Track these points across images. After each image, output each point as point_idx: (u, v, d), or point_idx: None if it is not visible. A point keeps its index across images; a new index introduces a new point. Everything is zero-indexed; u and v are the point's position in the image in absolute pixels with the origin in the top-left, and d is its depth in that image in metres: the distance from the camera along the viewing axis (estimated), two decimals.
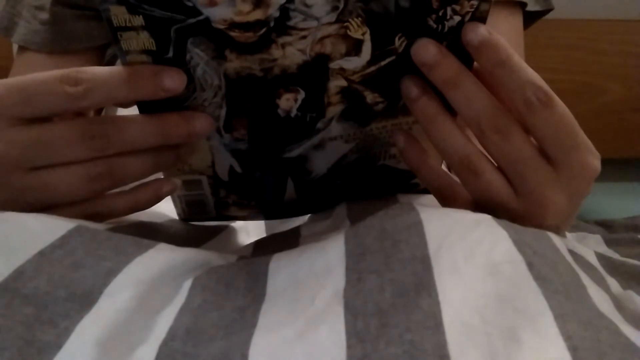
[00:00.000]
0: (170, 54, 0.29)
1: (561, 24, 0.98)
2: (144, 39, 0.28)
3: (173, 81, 0.29)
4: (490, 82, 0.31)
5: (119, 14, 0.27)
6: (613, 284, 0.33)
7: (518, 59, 0.29)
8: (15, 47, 0.66)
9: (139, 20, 0.27)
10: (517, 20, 0.64)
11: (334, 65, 0.31)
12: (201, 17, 0.27)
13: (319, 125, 0.34)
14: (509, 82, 0.29)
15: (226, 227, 0.43)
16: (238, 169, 0.37)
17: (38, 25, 0.62)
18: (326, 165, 0.37)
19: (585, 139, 0.30)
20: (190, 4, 0.27)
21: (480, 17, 0.29)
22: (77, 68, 0.29)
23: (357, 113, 0.34)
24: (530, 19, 0.66)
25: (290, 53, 0.30)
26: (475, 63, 0.31)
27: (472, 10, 0.29)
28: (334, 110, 0.33)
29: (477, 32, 0.29)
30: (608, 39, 1.02)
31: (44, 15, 0.61)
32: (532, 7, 0.64)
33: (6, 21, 0.64)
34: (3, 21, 0.64)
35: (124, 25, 0.27)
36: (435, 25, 0.29)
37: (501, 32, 0.61)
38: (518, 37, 0.63)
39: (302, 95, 0.32)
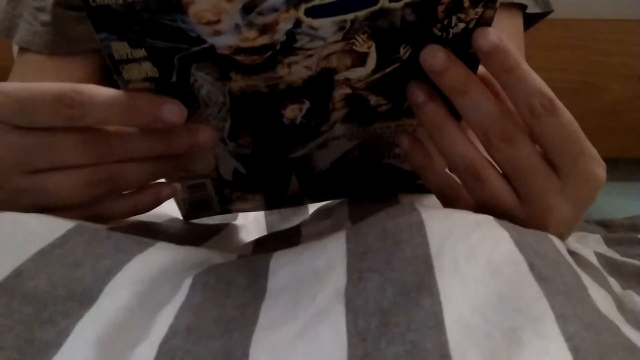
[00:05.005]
0: (174, 79, 0.29)
1: (561, 24, 0.98)
2: (147, 69, 0.28)
3: (173, 114, 0.29)
4: (496, 89, 0.31)
5: (120, 49, 0.27)
6: (613, 284, 0.33)
7: (526, 67, 0.29)
8: (15, 48, 0.66)
9: (141, 53, 0.27)
10: (517, 22, 0.64)
11: (339, 77, 0.31)
12: (205, 45, 0.27)
13: (323, 128, 0.34)
14: (516, 89, 0.29)
15: (226, 225, 0.43)
16: (242, 171, 0.37)
17: (39, 27, 0.62)
18: (329, 161, 0.37)
19: (591, 148, 0.30)
20: (194, 34, 0.26)
21: (485, 23, 0.29)
22: (75, 87, 0.28)
23: (361, 115, 0.34)
24: (530, 21, 0.66)
25: (296, 70, 0.29)
26: (479, 70, 0.31)
27: (477, 17, 0.29)
28: (338, 114, 0.33)
29: (488, 38, 0.29)
30: (608, 39, 1.02)
31: (45, 17, 0.61)
32: (532, 9, 0.65)
33: (7, 22, 0.64)
34: (4, 22, 0.64)
35: (125, 58, 0.27)
36: (439, 33, 0.29)
37: (501, 34, 0.61)
38: (519, 39, 0.64)
39: (307, 105, 0.32)
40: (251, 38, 0.27)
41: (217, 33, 0.26)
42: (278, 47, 0.28)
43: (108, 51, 0.27)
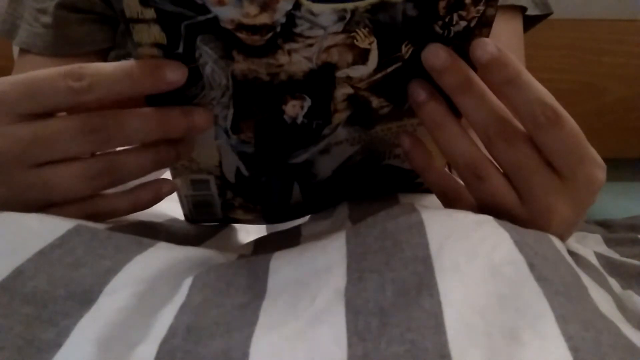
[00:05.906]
0: (181, 49, 0.29)
1: (561, 24, 0.98)
2: (155, 33, 0.28)
3: (174, 74, 0.29)
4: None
5: (131, 5, 0.27)
6: (613, 284, 0.33)
7: (527, 76, 0.29)
8: (16, 49, 0.66)
9: (150, 13, 0.27)
10: (517, 24, 0.64)
11: (341, 74, 0.31)
12: (210, 16, 0.27)
13: (326, 131, 0.34)
14: (517, 100, 0.29)
15: (226, 225, 0.43)
16: (245, 172, 0.37)
17: (40, 29, 0.62)
18: (331, 168, 0.37)
19: (592, 152, 0.30)
20: (200, 1, 0.27)
21: (486, 22, 0.29)
22: (81, 64, 0.29)
23: (363, 117, 0.34)
24: (529, 22, 0.66)
25: (297, 60, 0.30)
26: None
27: (478, 15, 0.28)
28: (340, 116, 0.33)
29: (486, 50, 0.28)
30: (608, 39, 1.02)
31: (47, 19, 0.61)
32: (531, 11, 0.65)
33: (8, 23, 0.64)
34: (5, 23, 0.64)
35: (136, 17, 0.28)
36: (441, 31, 0.29)
37: (502, 36, 0.61)
38: (518, 40, 0.64)
39: (308, 102, 0.32)
40: (252, 14, 0.27)
41: (221, 3, 0.27)
42: (278, 29, 0.28)
43: (120, 6, 0.27)
